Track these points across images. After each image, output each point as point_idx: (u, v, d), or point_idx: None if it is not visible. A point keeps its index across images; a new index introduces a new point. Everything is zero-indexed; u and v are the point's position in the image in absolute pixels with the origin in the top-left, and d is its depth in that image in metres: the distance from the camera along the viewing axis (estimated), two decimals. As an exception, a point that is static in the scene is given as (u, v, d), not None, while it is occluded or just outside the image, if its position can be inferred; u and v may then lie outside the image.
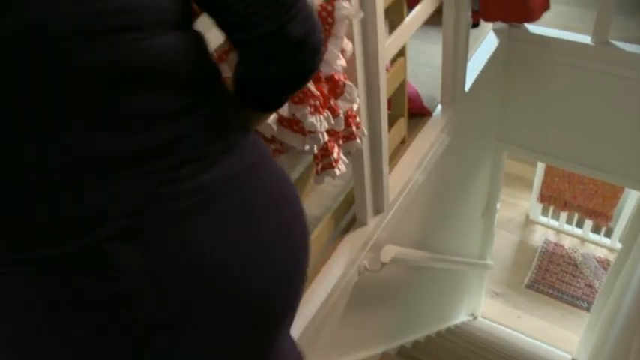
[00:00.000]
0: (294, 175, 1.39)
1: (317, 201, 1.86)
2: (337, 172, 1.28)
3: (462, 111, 2.27)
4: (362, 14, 1.21)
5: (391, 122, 1.83)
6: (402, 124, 1.95)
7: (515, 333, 4.41)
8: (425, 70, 2.37)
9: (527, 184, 5.08)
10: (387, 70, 1.63)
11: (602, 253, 4.86)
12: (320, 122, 1.15)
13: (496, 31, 2.56)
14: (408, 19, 1.64)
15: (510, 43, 2.61)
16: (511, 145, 3.19)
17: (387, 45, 1.50)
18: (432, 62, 2.35)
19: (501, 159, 3.45)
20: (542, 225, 5.10)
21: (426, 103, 2.17)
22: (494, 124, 3.05)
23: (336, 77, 1.18)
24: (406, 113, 1.95)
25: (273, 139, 1.17)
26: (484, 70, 2.41)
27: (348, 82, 1.21)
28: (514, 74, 2.75)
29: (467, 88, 2.27)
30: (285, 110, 1.08)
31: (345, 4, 1.13)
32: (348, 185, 1.81)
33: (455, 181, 2.75)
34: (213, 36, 0.86)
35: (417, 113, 2.13)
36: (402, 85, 1.81)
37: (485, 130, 3.01)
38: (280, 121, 1.12)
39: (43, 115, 0.59)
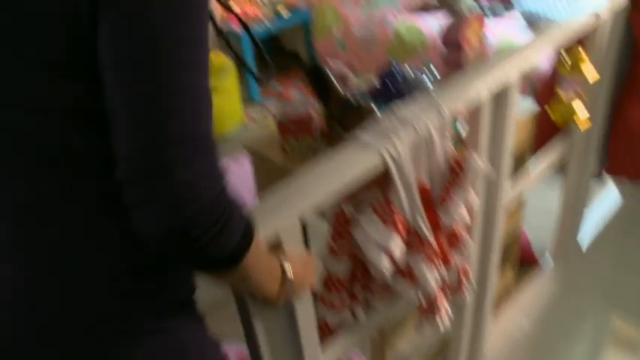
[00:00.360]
0: (395, 315, 1.33)
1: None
2: (440, 324, 1.21)
3: (572, 266, 2.14)
4: (492, 174, 1.19)
5: (499, 271, 1.75)
6: (509, 273, 1.85)
7: None
8: (538, 215, 2.28)
9: (634, 349, 4.63)
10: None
11: None
12: (431, 272, 1.11)
13: (619, 186, 2.44)
14: (533, 172, 1.60)
15: (634, 201, 2.47)
16: (621, 309, 2.94)
17: (509, 195, 1.46)
18: (547, 208, 2.26)
19: (609, 320, 3.18)
20: (646, 396, 4.57)
21: (535, 252, 2.07)
22: (606, 284, 2.84)
23: (455, 229, 1.15)
24: (516, 262, 1.86)
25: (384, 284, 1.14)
26: (601, 226, 2.28)
27: (465, 236, 1.17)
28: (633, 234, 2.59)
29: (581, 242, 2.15)
30: (401, 260, 1.06)
31: (477, 159, 1.11)
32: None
33: (555, 337, 2.55)
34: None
35: (525, 262, 2.03)
36: (517, 234, 1.74)
37: (595, 288, 2.81)
38: (395, 269, 1.09)
39: None
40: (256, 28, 3.66)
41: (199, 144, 0.63)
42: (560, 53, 1.65)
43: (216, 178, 0.65)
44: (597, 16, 1.48)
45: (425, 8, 3.55)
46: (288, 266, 0.83)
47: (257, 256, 0.74)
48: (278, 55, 3.99)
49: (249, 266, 0.73)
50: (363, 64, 3.68)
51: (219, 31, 0.90)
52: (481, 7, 3.29)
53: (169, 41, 0.62)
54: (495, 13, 3.33)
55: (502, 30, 3.19)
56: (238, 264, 0.71)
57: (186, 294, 0.80)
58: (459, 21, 1.87)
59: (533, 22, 3.15)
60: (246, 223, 0.70)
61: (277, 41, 4.14)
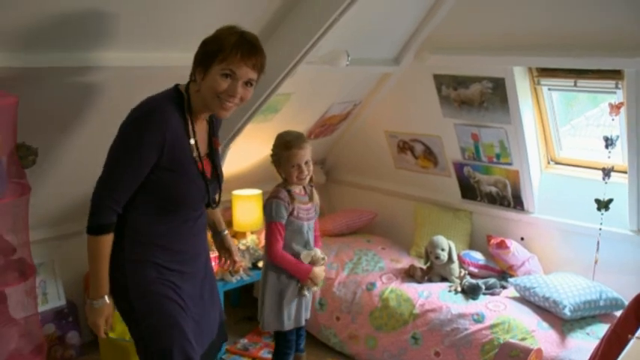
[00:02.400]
0: None
1: None
2: None
3: None
4: None
5: None
6: None
7: None
8: None
9: None
10: None
11: None
12: None
13: None
14: None
15: None
16: None
17: None
18: None
19: None
20: None
21: None
22: None
23: None
24: None
25: None
26: None
27: None
28: None
29: None
30: None
31: None
32: None
33: None
34: None
35: None
36: None
37: None
38: None
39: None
40: (231, 280, 3.40)
41: (101, 186, 1.84)
42: None
43: (98, 197, 1.83)
44: None
45: (412, 275, 3.40)
46: (94, 302, 1.87)
47: (97, 250, 1.84)
48: (252, 306, 3.66)
49: (92, 248, 1.84)
50: (344, 327, 3.38)
51: None
52: (477, 285, 3.15)
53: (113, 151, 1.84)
54: (491, 289, 3.19)
55: (498, 306, 3.01)
56: (91, 236, 1.84)
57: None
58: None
59: (529, 297, 3.00)
60: (98, 225, 1.82)
61: (251, 293, 3.86)
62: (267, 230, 2.56)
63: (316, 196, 2.68)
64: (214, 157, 2.05)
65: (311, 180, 2.62)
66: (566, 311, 2.80)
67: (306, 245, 2.61)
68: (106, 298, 1.87)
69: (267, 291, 2.59)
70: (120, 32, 2.22)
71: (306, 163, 2.51)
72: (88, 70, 2.24)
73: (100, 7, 2.07)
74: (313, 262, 2.60)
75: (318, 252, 2.65)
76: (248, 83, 1.84)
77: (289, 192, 2.54)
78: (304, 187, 2.64)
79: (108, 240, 1.83)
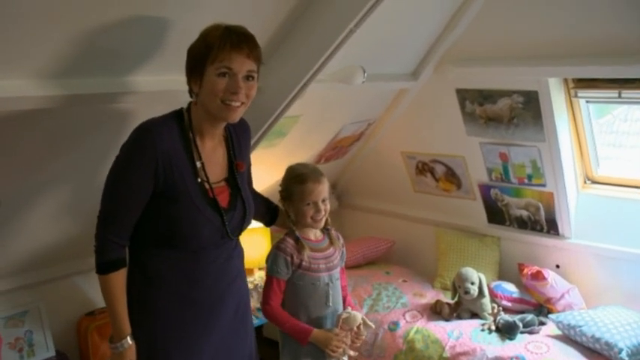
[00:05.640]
0: None
1: None
2: None
3: None
4: None
5: None
6: None
7: None
8: None
9: None
10: None
11: None
12: None
13: None
14: None
15: None
16: None
17: None
18: None
19: None
20: None
21: None
22: None
23: None
24: None
25: None
26: None
27: None
28: None
29: None
30: None
31: None
32: None
33: None
34: None
35: None
36: None
37: None
38: None
39: None
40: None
41: (100, 222, 1.68)
42: None
43: (98, 234, 1.68)
44: None
45: (438, 312, 3.06)
46: (117, 346, 1.71)
47: (109, 289, 1.68)
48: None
49: (103, 288, 1.69)
50: (365, 374, 3.03)
51: None
52: (514, 323, 2.80)
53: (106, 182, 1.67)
54: (529, 327, 2.84)
55: (540, 348, 2.66)
56: (100, 275, 1.68)
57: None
58: None
59: (574, 337, 2.66)
60: (103, 262, 1.67)
61: (260, 334, 3.52)
62: (265, 282, 2.17)
63: (339, 240, 2.25)
64: (236, 183, 1.83)
65: (326, 222, 2.17)
66: (623, 355, 2.45)
67: (326, 302, 2.13)
68: (129, 339, 1.72)
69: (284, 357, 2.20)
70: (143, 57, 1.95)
71: (324, 201, 2.10)
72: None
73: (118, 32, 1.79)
74: (347, 325, 2.11)
75: (353, 312, 2.16)
76: (249, 77, 1.66)
77: (297, 240, 2.10)
78: (322, 230, 2.20)
79: (119, 277, 1.68)
